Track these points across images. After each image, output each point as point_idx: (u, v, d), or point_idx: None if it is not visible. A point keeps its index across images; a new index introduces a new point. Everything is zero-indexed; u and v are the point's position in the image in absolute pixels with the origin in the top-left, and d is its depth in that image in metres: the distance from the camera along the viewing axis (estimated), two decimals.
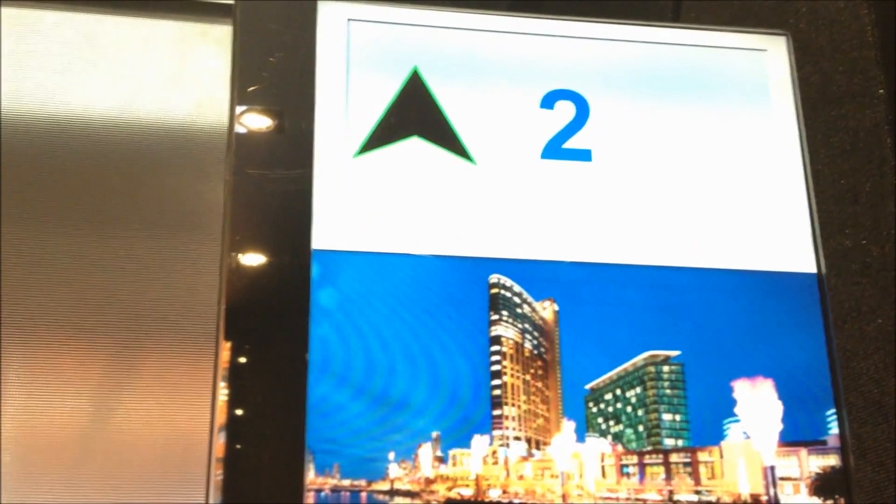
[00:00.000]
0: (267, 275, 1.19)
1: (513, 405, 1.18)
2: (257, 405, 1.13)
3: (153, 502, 1.18)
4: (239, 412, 1.13)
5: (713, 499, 1.17)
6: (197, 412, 1.24)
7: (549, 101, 1.32)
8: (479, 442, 1.15)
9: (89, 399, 1.19)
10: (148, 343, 1.24)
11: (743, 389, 1.21)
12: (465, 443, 1.15)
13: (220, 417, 1.11)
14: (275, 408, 1.13)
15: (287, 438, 1.12)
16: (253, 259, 1.19)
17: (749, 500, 1.17)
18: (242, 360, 1.14)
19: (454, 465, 1.14)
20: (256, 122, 1.25)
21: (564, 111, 1.31)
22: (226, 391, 1.12)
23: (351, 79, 1.28)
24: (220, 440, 1.10)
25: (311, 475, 1.10)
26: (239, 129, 1.23)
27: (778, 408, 1.21)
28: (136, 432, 1.20)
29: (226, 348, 1.14)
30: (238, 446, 1.11)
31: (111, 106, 1.33)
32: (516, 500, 1.14)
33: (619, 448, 1.18)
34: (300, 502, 1.09)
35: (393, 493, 1.12)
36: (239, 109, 1.24)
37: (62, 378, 1.20)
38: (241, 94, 1.25)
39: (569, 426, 1.18)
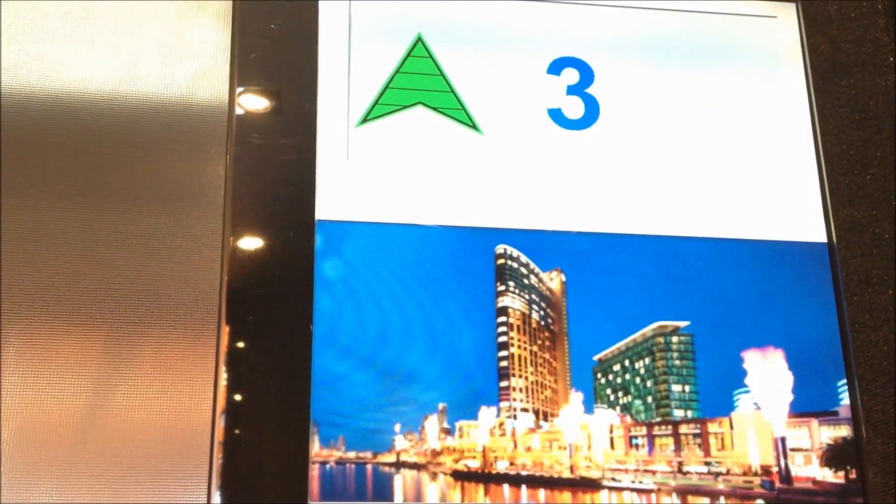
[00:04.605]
0: (270, 245, 1.17)
1: (520, 376, 1.16)
2: (261, 378, 1.12)
3: (156, 476, 1.16)
4: (243, 385, 1.11)
5: (723, 470, 1.15)
6: (200, 386, 1.22)
7: (555, 68, 1.30)
8: (486, 414, 1.14)
9: (89, 377, 1.18)
10: (149, 318, 1.22)
11: (753, 360, 1.20)
12: (471, 414, 1.13)
13: (224, 391, 1.10)
14: (279, 380, 1.12)
15: (291, 411, 1.10)
16: (255, 230, 1.18)
17: (759, 472, 1.16)
18: (246, 332, 1.13)
19: (461, 436, 1.13)
20: (258, 92, 1.23)
21: (571, 79, 1.29)
22: (229, 365, 1.11)
23: (353, 47, 1.26)
24: (224, 415, 1.09)
25: (315, 447, 1.09)
26: (240, 99, 1.22)
27: (788, 378, 1.19)
28: (138, 408, 1.18)
29: (229, 321, 1.12)
30: (242, 420, 1.09)
31: (109, 79, 1.31)
32: (524, 472, 1.13)
33: (628, 419, 1.17)
34: (305, 475, 1.08)
35: (399, 465, 1.10)
36: (240, 79, 1.22)
37: (61, 354, 1.18)
38: (241, 63, 1.23)
39: (577, 397, 1.16)
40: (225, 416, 1.10)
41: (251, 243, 1.17)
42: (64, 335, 1.18)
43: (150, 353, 1.20)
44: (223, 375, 1.11)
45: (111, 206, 1.27)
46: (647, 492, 1.13)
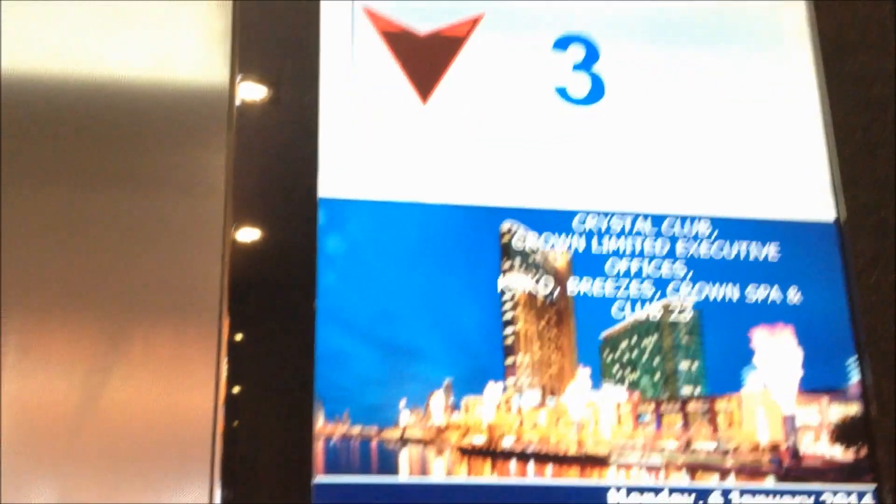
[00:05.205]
0: (272, 227, 1.17)
1: (526, 353, 1.15)
2: (265, 357, 1.11)
3: (159, 460, 1.15)
4: (247, 365, 1.10)
5: (731, 447, 1.14)
6: (204, 367, 1.21)
7: (562, 44, 1.29)
8: (492, 389, 1.13)
9: (93, 358, 1.17)
10: (153, 300, 1.21)
11: (762, 337, 1.18)
12: (477, 390, 1.12)
13: (227, 372, 1.09)
14: (283, 359, 1.11)
15: (296, 389, 1.09)
16: (258, 211, 1.17)
17: (768, 449, 1.14)
18: (249, 313, 1.12)
19: (466, 412, 1.12)
20: (259, 74, 1.23)
21: (577, 56, 1.29)
22: (233, 346, 1.10)
23: (356, 27, 1.25)
24: (228, 395, 1.08)
25: (321, 423, 1.08)
26: (241, 82, 1.21)
27: (797, 356, 1.18)
28: (143, 384, 1.17)
29: (232, 302, 1.12)
30: (245, 401, 1.09)
31: (105, 65, 1.30)
32: (530, 449, 1.12)
33: (636, 396, 1.16)
34: (309, 452, 1.07)
35: (404, 440, 1.09)
36: (241, 62, 1.22)
37: (61, 344, 1.17)
38: (242, 46, 1.23)
39: (584, 374, 1.15)
40: (229, 396, 1.09)
41: (254, 224, 1.17)
42: (64, 324, 1.17)
43: (155, 335, 1.19)
44: (225, 359, 1.10)
45: (110, 191, 1.26)
46: (655, 468, 1.12)
